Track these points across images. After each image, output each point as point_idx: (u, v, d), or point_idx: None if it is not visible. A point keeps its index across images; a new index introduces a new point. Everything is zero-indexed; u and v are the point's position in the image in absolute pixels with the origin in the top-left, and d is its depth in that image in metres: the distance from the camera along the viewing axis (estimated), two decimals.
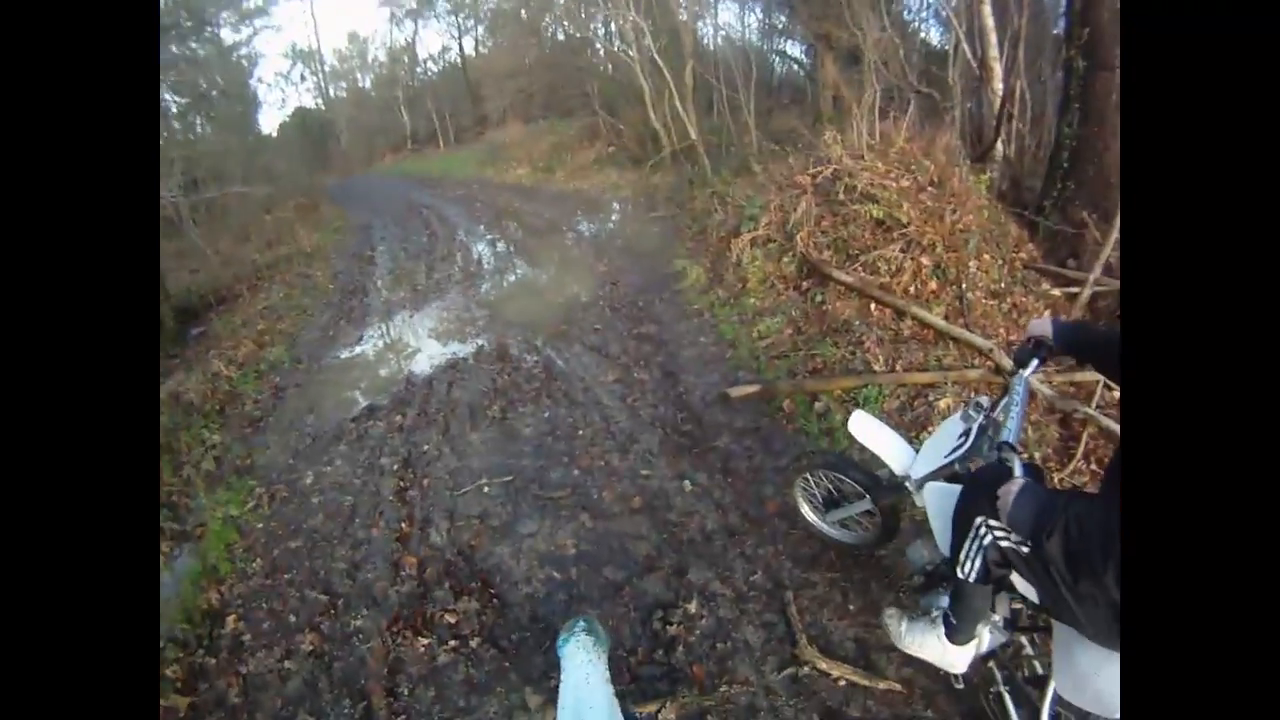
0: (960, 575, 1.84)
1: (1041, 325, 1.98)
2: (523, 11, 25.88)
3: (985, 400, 2.12)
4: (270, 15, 25.22)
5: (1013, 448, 1.80)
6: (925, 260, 4.95)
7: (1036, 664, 2.03)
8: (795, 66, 18.96)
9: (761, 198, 6.56)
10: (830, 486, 2.86)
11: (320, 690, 2.86)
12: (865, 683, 2.44)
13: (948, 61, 9.40)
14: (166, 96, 16.32)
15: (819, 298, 5.14)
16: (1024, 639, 2.10)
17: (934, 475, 2.19)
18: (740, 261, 5.98)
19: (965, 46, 8.09)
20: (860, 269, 5.08)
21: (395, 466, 4.40)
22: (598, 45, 19.75)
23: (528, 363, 5.52)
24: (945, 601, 2.09)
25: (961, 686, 2.23)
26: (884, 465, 2.50)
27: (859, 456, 2.99)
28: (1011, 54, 7.57)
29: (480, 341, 6.23)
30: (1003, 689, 2.06)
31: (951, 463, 2.10)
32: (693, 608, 2.86)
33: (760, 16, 18.31)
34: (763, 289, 5.59)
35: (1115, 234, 4.68)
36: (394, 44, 36.38)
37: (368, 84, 36.14)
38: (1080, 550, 1.47)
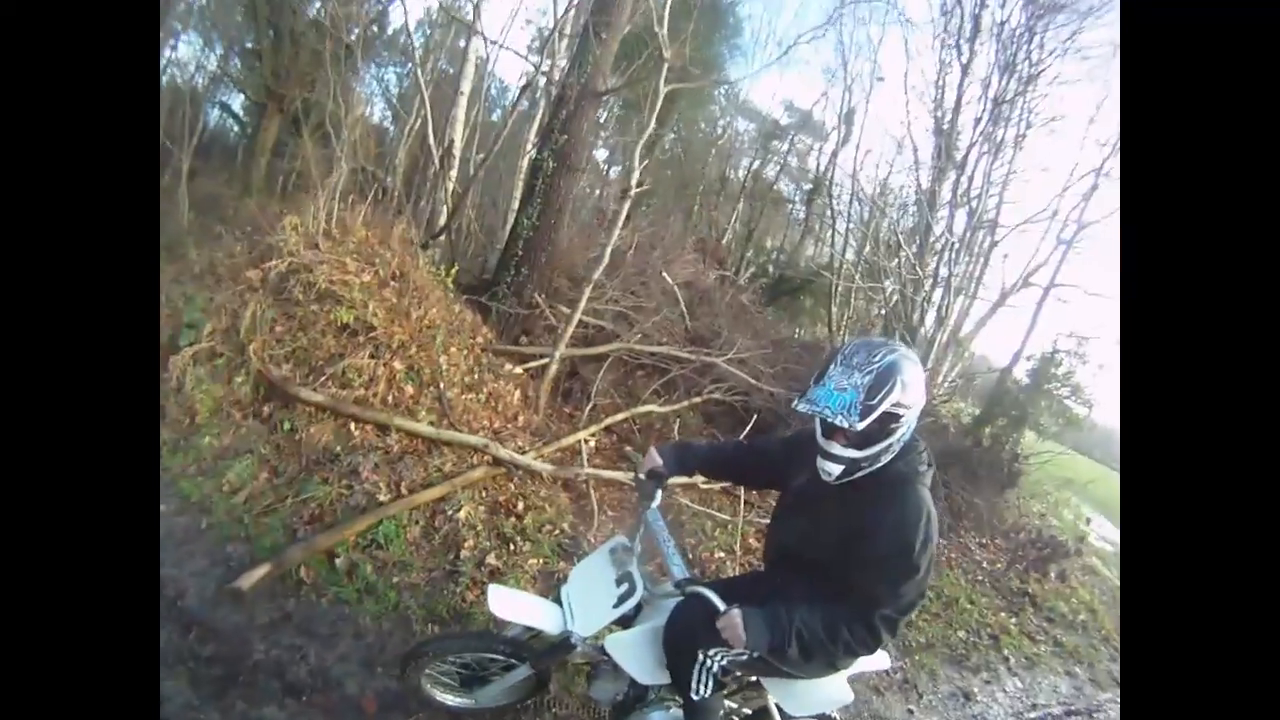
0: (695, 697, 2.08)
1: (651, 459, 2.27)
2: None
3: (626, 541, 2.28)
4: None
5: (694, 581, 2.06)
6: (398, 364, 4.76)
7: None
8: (231, 123, 17.22)
9: (203, 296, 5.45)
10: (465, 665, 2.57)
11: None
12: None
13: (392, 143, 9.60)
14: None
15: (288, 425, 4.43)
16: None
17: (607, 628, 2.24)
18: (182, 386, 4.81)
19: (431, 135, 8.27)
20: (330, 383, 4.57)
21: None
22: None
23: None
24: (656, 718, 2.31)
25: None
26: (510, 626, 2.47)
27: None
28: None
29: None
30: None
31: (623, 613, 2.18)
32: None
33: (216, 60, 15.95)
34: (217, 422, 4.57)
35: (578, 313, 5.33)
36: None
37: None
38: (813, 644, 1.84)
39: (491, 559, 3.86)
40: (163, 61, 13.13)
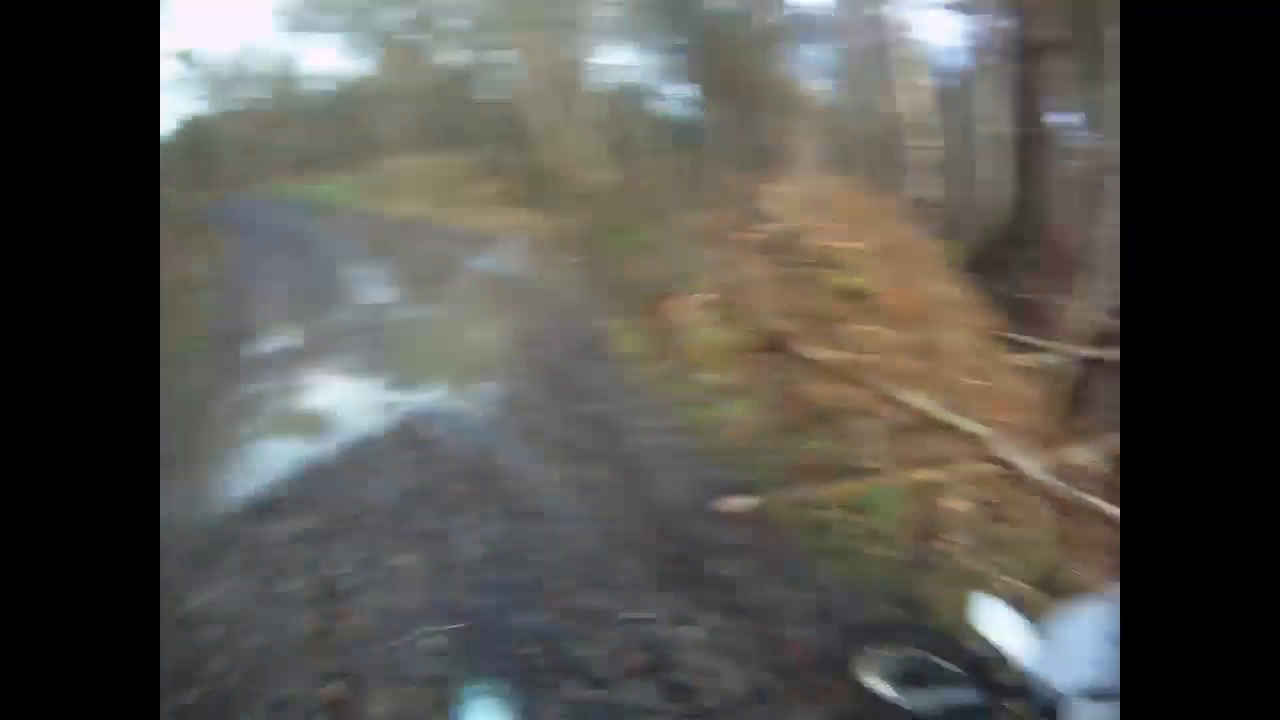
0: None
1: None
2: (408, 35, 24.66)
3: None
4: None
5: None
6: (898, 335, 4.54)
7: None
8: (680, 111, 18.97)
9: (697, 253, 6.01)
10: (908, 660, 2.32)
11: None
12: None
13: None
14: None
15: (787, 376, 4.57)
16: None
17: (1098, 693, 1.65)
18: (684, 328, 5.34)
19: (896, 106, 8.06)
20: (833, 344, 4.59)
21: (309, 594, 3.24)
22: (494, 75, 18.95)
23: (453, 451, 4.41)
24: None
25: None
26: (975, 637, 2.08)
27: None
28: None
29: (392, 418, 5.03)
30: None
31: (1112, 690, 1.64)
32: None
33: (658, 58, 18.13)
34: (719, 361, 4.97)
35: (1103, 308, 4.58)
36: (283, 59, 33.49)
37: (254, 97, 32.90)
38: None
39: (973, 561, 3.46)
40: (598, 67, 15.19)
